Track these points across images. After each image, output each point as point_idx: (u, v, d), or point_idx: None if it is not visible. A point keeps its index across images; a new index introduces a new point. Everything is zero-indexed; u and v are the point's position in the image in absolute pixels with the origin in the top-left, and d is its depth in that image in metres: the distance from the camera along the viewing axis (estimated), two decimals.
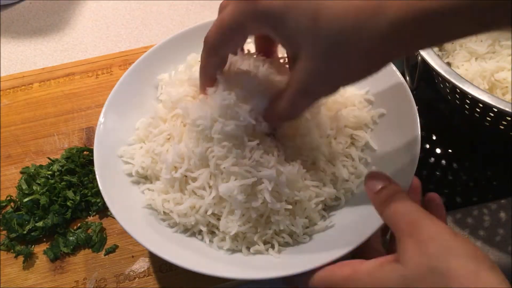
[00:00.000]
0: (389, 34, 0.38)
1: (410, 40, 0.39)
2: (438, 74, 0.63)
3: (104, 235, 0.68)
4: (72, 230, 0.68)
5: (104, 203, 0.64)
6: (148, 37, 0.97)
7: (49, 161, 0.74)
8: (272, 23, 0.43)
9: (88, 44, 0.97)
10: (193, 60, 0.71)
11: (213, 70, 0.53)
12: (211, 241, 0.59)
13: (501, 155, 0.74)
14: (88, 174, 0.72)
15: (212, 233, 0.60)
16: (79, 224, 0.69)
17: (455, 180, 0.72)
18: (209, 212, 0.57)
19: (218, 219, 0.59)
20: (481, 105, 0.64)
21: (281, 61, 0.61)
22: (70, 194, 0.70)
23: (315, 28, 0.40)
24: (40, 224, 0.67)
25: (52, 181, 0.71)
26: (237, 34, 0.47)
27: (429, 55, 0.64)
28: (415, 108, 0.62)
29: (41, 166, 0.74)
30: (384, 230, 0.65)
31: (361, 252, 0.51)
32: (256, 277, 0.54)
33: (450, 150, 0.75)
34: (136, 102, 0.70)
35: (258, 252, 0.57)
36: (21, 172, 0.75)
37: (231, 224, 0.56)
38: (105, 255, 0.67)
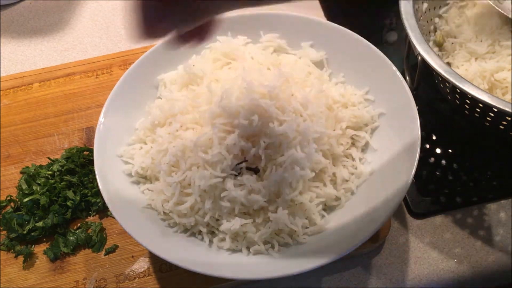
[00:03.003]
0: None
1: None
2: (438, 74, 0.63)
3: (104, 235, 0.68)
4: (72, 230, 0.68)
5: (104, 203, 0.64)
6: None
7: (49, 161, 0.74)
8: None
9: (88, 44, 0.96)
10: (193, 62, 0.71)
11: None
12: (211, 241, 0.59)
13: (501, 155, 0.74)
14: (88, 174, 0.72)
15: (212, 233, 0.60)
16: (79, 224, 0.69)
17: (455, 180, 0.72)
18: (207, 219, 0.58)
19: (217, 220, 0.59)
20: (481, 105, 0.64)
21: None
22: (70, 194, 0.69)
23: None
24: (40, 224, 0.67)
25: (52, 181, 0.71)
26: None
27: (429, 55, 0.64)
28: (415, 108, 0.62)
29: (41, 166, 0.74)
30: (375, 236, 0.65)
31: None
32: (256, 277, 0.54)
33: (450, 150, 0.75)
34: (136, 102, 0.70)
35: (258, 252, 0.57)
36: (21, 172, 0.75)
37: (232, 223, 0.57)
38: (105, 255, 0.67)
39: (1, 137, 0.80)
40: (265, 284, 0.65)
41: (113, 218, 0.63)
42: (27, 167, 0.74)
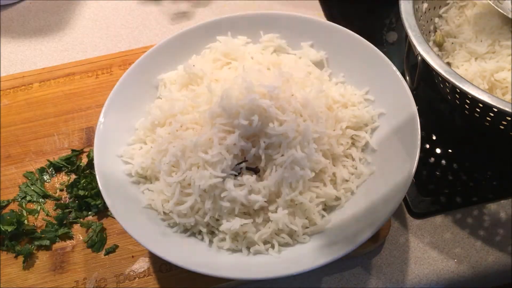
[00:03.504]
0: None
1: None
2: (438, 74, 0.63)
3: (104, 235, 0.68)
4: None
5: (104, 203, 0.64)
6: (148, 37, 0.97)
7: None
8: None
9: (88, 44, 0.96)
10: (194, 62, 0.71)
11: None
12: (211, 241, 0.59)
13: (501, 155, 0.74)
14: (87, 176, 0.72)
15: (212, 233, 0.60)
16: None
17: (455, 180, 0.72)
18: (207, 219, 0.58)
19: (217, 220, 0.59)
20: (481, 105, 0.64)
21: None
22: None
23: None
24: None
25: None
26: None
27: (429, 55, 0.64)
28: (415, 108, 0.62)
29: (42, 170, 0.75)
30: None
31: None
32: (256, 277, 0.54)
33: (450, 150, 0.75)
34: (136, 102, 0.70)
35: (258, 252, 0.57)
36: (24, 176, 0.75)
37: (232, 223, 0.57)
38: (105, 255, 0.67)
39: (1, 137, 0.80)
40: (265, 284, 0.65)
41: (113, 218, 0.63)
42: (31, 172, 0.75)
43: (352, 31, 0.70)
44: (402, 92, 0.64)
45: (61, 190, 0.73)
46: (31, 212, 0.71)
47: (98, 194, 0.70)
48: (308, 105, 0.61)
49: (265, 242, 0.58)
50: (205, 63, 0.71)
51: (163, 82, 0.72)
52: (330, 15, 0.95)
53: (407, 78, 0.75)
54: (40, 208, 0.71)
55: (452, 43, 0.77)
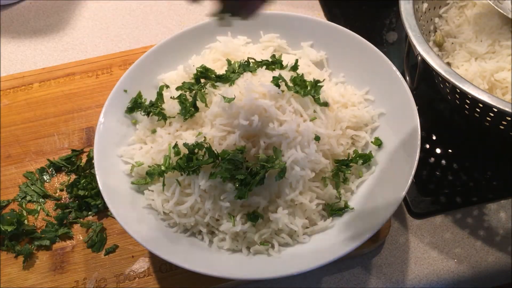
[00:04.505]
0: None
1: None
2: (438, 74, 0.63)
3: (104, 235, 0.68)
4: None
5: (104, 204, 0.64)
6: (148, 37, 0.97)
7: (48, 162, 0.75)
8: None
9: (88, 44, 0.96)
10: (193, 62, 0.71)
11: None
12: (211, 241, 0.59)
13: (501, 155, 0.74)
14: (88, 176, 0.72)
15: (212, 233, 0.60)
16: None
17: (455, 180, 0.72)
18: (207, 219, 0.58)
19: (218, 220, 0.59)
20: (481, 105, 0.64)
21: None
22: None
23: None
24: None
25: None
26: None
27: (429, 55, 0.64)
28: (415, 108, 0.62)
29: (43, 170, 0.75)
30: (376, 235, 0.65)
31: None
32: (256, 277, 0.54)
33: (450, 150, 0.75)
34: None
35: (258, 252, 0.57)
36: (24, 176, 0.75)
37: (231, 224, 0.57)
38: (105, 255, 0.67)
39: (1, 137, 0.80)
40: (265, 284, 0.65)
41: (113, 218, 0.63)
42: (31, 172, 0.75)
43: (352, 31, 0.70)
44: (402, 92, 0.64)
45: (61, 190, 0.73)
46: (31, 212, 0.71)
47: (98, 194, 0.70)
48: (308, 105, 0.61)
49: (265, 242, 0.58)
50: (205, 63, 0.71)
51: (165, 83, 0.72)
52: (330, 15, 0.95)
53: (407, 78, 0.75)
54: (40, 208, 0.71)
55: (452, 43, 0.78)
